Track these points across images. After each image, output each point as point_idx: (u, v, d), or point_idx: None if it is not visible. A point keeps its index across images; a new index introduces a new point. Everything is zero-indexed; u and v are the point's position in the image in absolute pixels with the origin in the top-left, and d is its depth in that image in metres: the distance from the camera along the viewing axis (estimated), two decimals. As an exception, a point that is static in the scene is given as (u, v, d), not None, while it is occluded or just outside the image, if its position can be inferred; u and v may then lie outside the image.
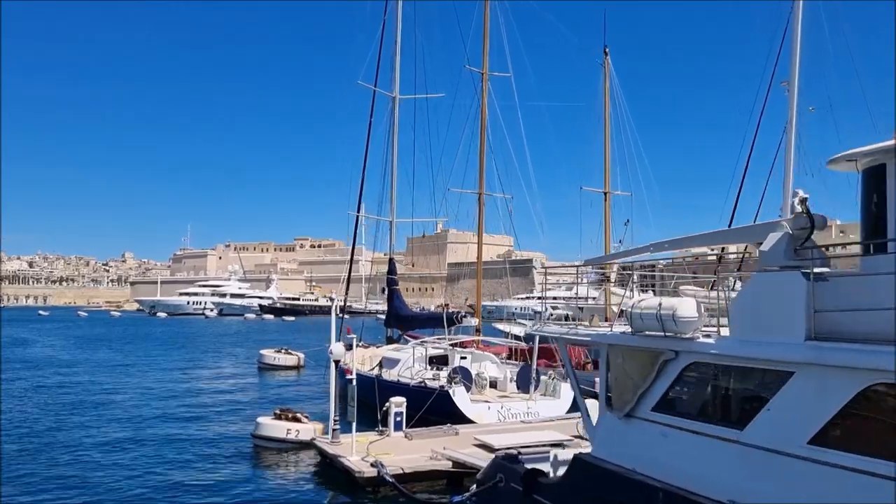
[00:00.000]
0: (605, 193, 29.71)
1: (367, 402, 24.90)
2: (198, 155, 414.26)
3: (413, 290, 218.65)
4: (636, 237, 30.24)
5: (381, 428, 18.10)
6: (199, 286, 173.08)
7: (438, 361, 25.43)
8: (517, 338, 35.52)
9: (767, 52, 40.28)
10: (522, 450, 13.13)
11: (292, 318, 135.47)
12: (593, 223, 33.18)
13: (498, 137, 33.44)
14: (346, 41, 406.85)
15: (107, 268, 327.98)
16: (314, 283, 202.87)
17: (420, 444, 16.97)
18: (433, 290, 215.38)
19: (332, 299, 17.29)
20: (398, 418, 17.79)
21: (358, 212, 33.21)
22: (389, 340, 30.69)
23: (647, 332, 8.87)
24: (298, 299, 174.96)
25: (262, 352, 41.89)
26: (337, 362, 17.42)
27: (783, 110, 39.35)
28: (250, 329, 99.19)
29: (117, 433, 21.71)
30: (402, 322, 29.90)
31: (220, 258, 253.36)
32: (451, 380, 21.77)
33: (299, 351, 42.42)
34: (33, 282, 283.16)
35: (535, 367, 22.68)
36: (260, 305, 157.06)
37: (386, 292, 31.23)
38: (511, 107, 34.84)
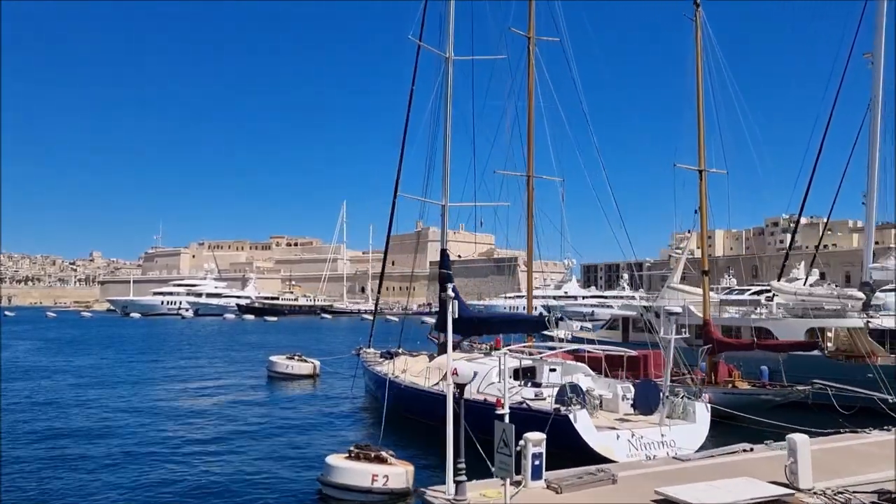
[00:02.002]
0: (700, 171, 25.02)
1: (434, 426, 20.07)
2: (168, 151, 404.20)
3: (394, 289, 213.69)
4: (734, 223, 25.69)
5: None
6: (174, 285, 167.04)
7: (524, 375, 20.57)
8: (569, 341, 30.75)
9: (847, 18, 36.03)
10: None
11: (274, 319, 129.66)
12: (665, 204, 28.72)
13: (552, 113, 28.77)
14: (339, 40, 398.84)
15: (74, 267, 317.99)
16: (294, 283, 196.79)
17: (576, 500, 12.14)
18: (414, 289, 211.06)
19: (451, 296, 12.32)
20: (537, 461, 12.85)
21: (395, 193, 28.06)
22: (443, 348, 25.61)
23: None
24: (277, 298, 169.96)
25: (273, 359, 36.61)
26: (462, 387, 12.45)
27: (867, 83, 35.35)
28: (234, 330, 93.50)
29: (130, 478, 16.50)
30: (466, 326, 24.51)
31: (193, 257, 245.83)
32: (567, 400, 16.89)
33: (313, 358, 37.29)
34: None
35: (668, 381, 17.85)
36: (238, 305, 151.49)
37: (438, 290, 26.00)
38: (565, 76, 30.25)
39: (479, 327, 24.36)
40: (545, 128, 28.54)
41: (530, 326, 22.30)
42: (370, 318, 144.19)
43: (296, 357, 36.41)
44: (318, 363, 36.19)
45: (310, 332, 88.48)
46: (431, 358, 24.92)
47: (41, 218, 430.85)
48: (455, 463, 12.19)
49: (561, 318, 21.21)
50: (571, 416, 16.27)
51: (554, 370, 20.77)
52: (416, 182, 29.85)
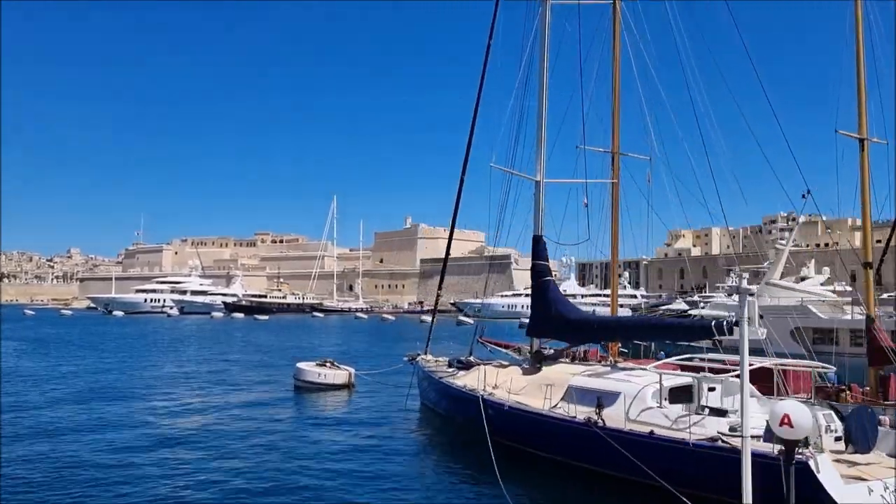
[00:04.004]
0: (862, 140, 20.36)
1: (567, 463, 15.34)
2: (147, 145, 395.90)
3: (383, 287, 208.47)
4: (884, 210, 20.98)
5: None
6: (158, 282, 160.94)
7: (679, 395, 15.68)
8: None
9: None
10: None
11: (265, 317, 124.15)
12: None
13: (647, 81, 24.04)
14: (339, 40, 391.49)
15: (51, 264, 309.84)
16: (281, 280, 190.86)
17: None
18: (404, 286, 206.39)
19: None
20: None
21: (464, 169, 23.17)
22: (538, 357, 20.65)
23: None
24: (265, 296, 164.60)
25: (301, 366, 31.38)
26: (791, 446, 7.55)
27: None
28: (226, 329, 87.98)
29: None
30: (576, 330, 19.25)
31: (176, 253, 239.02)
32: (801, 441, 12.02)
33: (347, 365, 32.29)
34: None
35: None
36: (224, 303, 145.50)
37: (531, 285, 20.99)
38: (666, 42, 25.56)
39: (599, 332, 19.19)
40: (640, 97, 23.87)
41: (693, 333, 17.06)
42: (364, 316, 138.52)
43: (327, 364, 31.33)
44: (353, 371, 31.20)
45: (305, 332, 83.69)
46: (529, 371, 19.96)
47: (18, 214, 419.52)
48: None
49: (736, 323, 15.65)
50: (812, 464, 11.42)
51: (713, 389, 15.88)
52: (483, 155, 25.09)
